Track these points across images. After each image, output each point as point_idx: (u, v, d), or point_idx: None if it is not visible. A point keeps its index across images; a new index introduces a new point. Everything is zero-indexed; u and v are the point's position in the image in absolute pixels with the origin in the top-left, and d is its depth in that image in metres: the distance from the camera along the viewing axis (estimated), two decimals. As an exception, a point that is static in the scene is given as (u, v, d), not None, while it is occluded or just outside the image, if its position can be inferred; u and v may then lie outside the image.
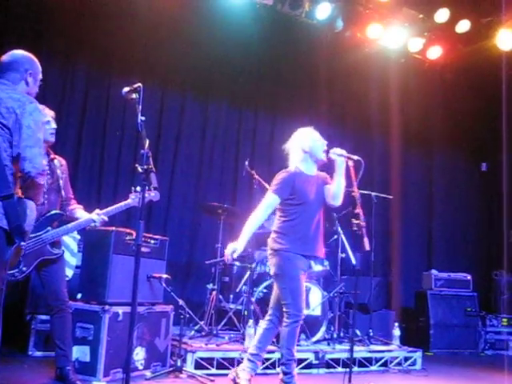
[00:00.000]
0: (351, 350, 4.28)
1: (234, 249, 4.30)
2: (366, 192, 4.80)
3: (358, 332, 6.37)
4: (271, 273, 4.39)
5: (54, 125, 4.16)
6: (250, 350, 4.37)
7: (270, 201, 4.37)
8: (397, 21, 7.75)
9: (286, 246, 4.22)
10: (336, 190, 4.28)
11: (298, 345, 5.38)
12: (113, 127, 7.11)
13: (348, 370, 4.29)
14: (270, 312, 4.41)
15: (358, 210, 4.09)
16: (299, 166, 4.44)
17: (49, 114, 4.16)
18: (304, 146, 4.45)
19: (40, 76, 3.28)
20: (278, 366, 4.67)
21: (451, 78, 8.67)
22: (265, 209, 4.38)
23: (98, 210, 4.24)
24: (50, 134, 4.11)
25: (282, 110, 8.43)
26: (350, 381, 4.23)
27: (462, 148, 9.62)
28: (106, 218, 4.23)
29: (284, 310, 4.18)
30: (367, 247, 3.98)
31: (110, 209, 4.29)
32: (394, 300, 8.32)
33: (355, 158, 4.23)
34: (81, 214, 4.27)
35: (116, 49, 7.14)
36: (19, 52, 3.24)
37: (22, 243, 2.96)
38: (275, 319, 4.34)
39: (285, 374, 4.20)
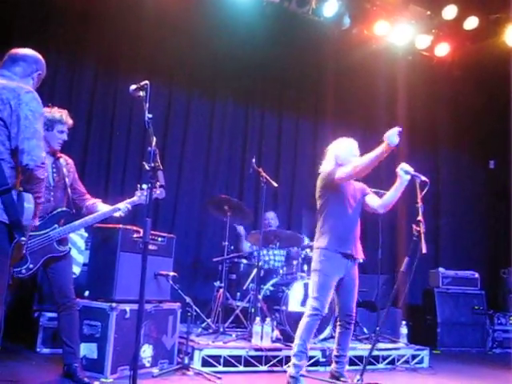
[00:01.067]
0: (372, 348, 4.35)
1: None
2: (373, 190, 4.84)
3: (365, 330, 6.37)
4: (311, 268, 4.61)
5: (65, 136, 4.16)
6: (334, 353, 4.66)
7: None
8: (404, 18, 7.70)
9: (331, 246, 4.44)
10: (389, 200, 4.57)
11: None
12: (120, 125, 7.12)
13: (362, 366, 4.32)
14: (338, 319, 4.67)
15: (420, 218, 4.26)
16: None
17: (69, 123, 4.18)
18: (339, 155, 4.64)
19: (42, 77, 3.29)
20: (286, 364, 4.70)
21: (459, 75, 8.60)
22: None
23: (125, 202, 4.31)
24: (58, 143, 4.14)
25: (288, 107, 8.43)
26: (362, 375, 4.22)
27: (469, 145, 9.56)
28: (129, 207, 4.29)
29: (309, 302, 4.45)
30: (424, 250, 4.14)
31: (129, 201, 4.34)
32: (401, 298, 8.28)
33: (423, 178, 4.35)
34: (102, 207, 4.32)
35: (122, 47, 7.15)
36: (34, 52, 3.25)
37: (23, 238, 2.89)
38: (343, 323, 4.60)
39: (294, 366, 4.36)
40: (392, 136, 4.34)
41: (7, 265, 2.89)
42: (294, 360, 4.39)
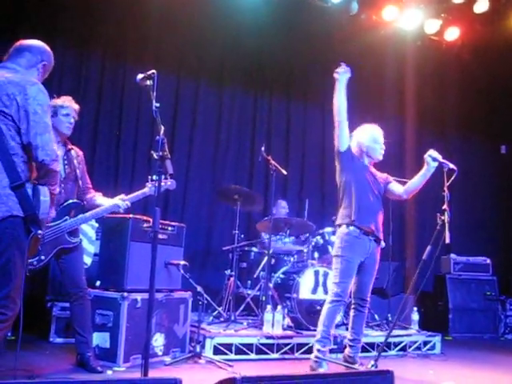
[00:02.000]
0: (388, 335, 4.41)
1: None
2: (396, 179, 4.87)
3: (376, 317, 6.37)
4: (332, 253, 4.64)
5: (72, 119, 4.15)
6: (348, 337, 4.69)
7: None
8: (413, 2, 7.61)
9: (353, 228, 4.47)
10: (414, 186, 4.60)
11: (315, 330, 5.44)
12: (128, 115, 7.13)
13: (377, 353, 4.36)
14: (352, 301, 4.68)
15: (446, 207, 4.37)
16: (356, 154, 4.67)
17: (73, 107, 4.17)
18: (362, 143, 4.66)
19: (48, 71, 3.24)
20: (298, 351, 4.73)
21: (469, 60, 8.50)
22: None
23: (123, 196, 4.32)
24: (66, 127, 4.12)
25: (296, 95, 8.40)
26: (376, 360, 4.23)
27: (480, 130, 9.47)
28: (129, 204, 4.31)
29: (330, 287, 4.50)
30: (447, 240, 4.28)
31: (130, 196, 4.35)
32: (412, 284, 8.26)
33: (451, 166, 4.38)
34: (101, 200, 4.31)
35: (130, 36, 7.15)
36: (40, 42, 3.21)
37: (40, 232, 2.91)
38: (357, 306, 4.63)
39: (318, 351, 4.41)
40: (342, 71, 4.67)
41: (25, 258, 2.92)
42: (317, 345, 4.43)
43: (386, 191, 4.76)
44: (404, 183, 4.74)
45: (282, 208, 7.16)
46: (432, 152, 4.49)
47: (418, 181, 4.58)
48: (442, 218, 4.35)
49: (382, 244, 4.71)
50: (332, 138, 4.74)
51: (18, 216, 2.83)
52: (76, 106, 4.21)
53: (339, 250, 4.50)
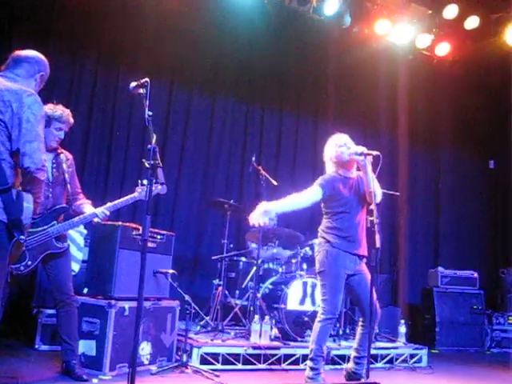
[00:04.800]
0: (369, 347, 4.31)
1: (266, 210, 4.28)
2: (384, 190, 4.79)
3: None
4: (316, 270, 4.48)
5: (63, 135, 4.14)
6: (353, 353, 4.46)
7: (313, 190, 4.41)
8: (405, 17, 7.70)
9: (336, 244, 4.33)
10: (370, 187, 4.31)
11: (303, 341, 5.44)
12: (120, 122, 7.11)
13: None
14: (361, 318, 4.49)
15: (373, 207, 4.10)
16: (338, 171, 4.52)
17: (70, 121, 4.16)
18: (331, 156, 4.53)
19: (45, 81, 3.33)
20: (303, 361, 4.66)
21: (459, 75, 8.60)
22: (307, 195, 4.41)
23: (104, 207, 4.26)
24: (55, 140, 4.11)
25: (289, 106, 8.43)
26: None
27: (469, 145, 9.56)
28: (107, 213, 4.23)
29: (320, 305, 4.32)
30: (378, 244, 3.97)
31: (114, 203, 4.31)
32: (400, 297, 8.30)
33: (374, 153, 4.22)
34: (88, 209, 4.26)
35: (123, 43, 7.15)
36: (38, 53, 3.29)
37: (22, 237, 2.93)
38: (365, 322, 4.40)
39: (312, 369, 4.26)
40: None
41: (6, 263, 2.92)
42: (310, 363, 4.28)
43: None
44: (397, 197, 4.68)
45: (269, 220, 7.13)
46: (353, 148, 4.33)
47: (364, 182, 4.37)
48: (371, 218, 4.07)
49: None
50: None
51: (2, 221, 2.86)
52: (71, 121, 4.20)
53: (323, 265, 4.36)
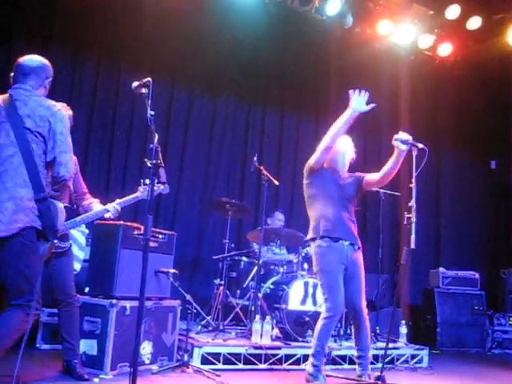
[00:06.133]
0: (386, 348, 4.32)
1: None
2: (374, 189, 4.79)
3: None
4: (314, 271, 4.50)
5: None
6: (354, 354, 4.49)
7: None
8: (407, 17, 7.70)
9: (323, 238, 4.34)
10: (387, 171, 4.34)
11: (304, 341, 5.44)
12: (122, 122, 7.12)
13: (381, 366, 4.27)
14: (350, 316, 4.58)
15: (412, 204, 4.00)
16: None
17: (69, 112, 4.15)
18: (344, 150, 4.66)
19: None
20: (304, 361, 4.67)
21: (461, 76, 8.60)
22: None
23: (113, 203, 4.31)
24: None
25: (290, 106, 8.43)
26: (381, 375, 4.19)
27: (471, 146, 9.56)
28: (118, 208, 4.29)
29: (323, 304, 4.35)
30: (412, 245, 3.92)
31: (121, 200, 4.33)
32: (402, 298, 8.30)
33: (420, 146, 4.11)
34: (98, 207, 4.30)
35: (125, 43, 7.16)
36: (40, 58, 3.46)
37: (56, 241, 3.31)
38: (355, 320, 4.43)
39: (313, 365, 4.28)
40: (358, 101, 4.29)
41: (41, 263, 3.26)
42: (312, 360, 4.30)
43: (365, 185, 4.58)
44: (397, 197, 4.69)
45: (277, 220, 7.14)
46: (400, 135, 4.22)
47: (390, 165, 4.33)
48: (409, 216, 3.99)
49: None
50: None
51: (35, 227, 3.17)
52: (70, 112, 4.19)
53: (317, 265, 4.38)
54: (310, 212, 4.56)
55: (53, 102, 3.35)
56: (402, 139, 4.19)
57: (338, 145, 4.61)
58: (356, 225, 4.56)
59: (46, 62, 3.48)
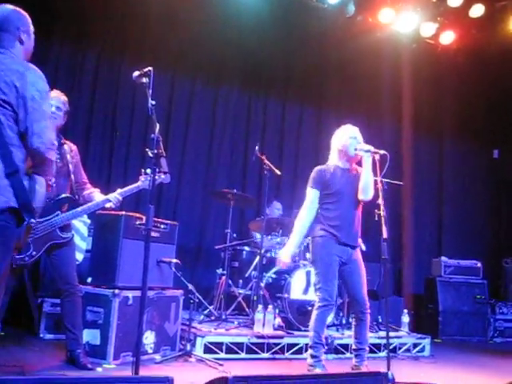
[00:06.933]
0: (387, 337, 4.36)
1: (288, 254, 4.59)
2: (375, 178, 4.78)
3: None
4: (310, 260, 4.62)
5: (54, 108, 4.01)
6: (352, 346, 4.54)
7: (310, 196, 4.58)
8: (409, 5, 7.65)
9: (324, 233, 4.41)
10: (362, 184, 4.40)
11: (306, 330, 5.44)
12: (123, 111, 7.11)
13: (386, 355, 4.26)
14: (352, 310, 4.66)
15: (380, 201, 4.21)
16: (335, 162, 4.58)
17: (58, 98, 4.13)
18: (338, 143, 4.56)
19: (32, 28, 3.01)
20: (306, 350, 4.70)
21: (464, 64, 8.54)
22: (308, 205, 4.58)
23: (117, 192, 4.28)
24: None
25: (292, 95, 8.41)
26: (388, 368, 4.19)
27: (473, 135, 9.52)
28: (120, 198, 4.26)
29: (316, 293, 4.41)
30: (385, 235, 4.10)
31: (122, 190, 4.32)
32: (404, 287, 8.32)
33: (381, 152, 4.30)
34: (98, 196, 4.28)
35: (127, 32, 7.14)
36: (5, 8, 2.92)
37: (32, 220, 2.81)
38: (356, 313, 4.46)
39: (312, 356, 4.34)
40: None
41: (9, 250, 2.82)
42: (310, 351, 4.37)
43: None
44: (400, 187, 4.71)
45: (276, 209, 7.16)
46: (361, 145, 4.41)
47: (361, 177, 4.42)
48: (378, 212, 4.20)
49: (362, 247, 4.65)
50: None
51: (10, 207, 2.72)
52: (63, 98, 4.16)
53: (313, 255, 4.49)
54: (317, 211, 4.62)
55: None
56: (363, 149, 4.39)
57: (336, 140, 4.61)
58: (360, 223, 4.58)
59: (13, 9, 2.93)
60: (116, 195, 4.25)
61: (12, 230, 2.75)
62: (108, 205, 4.24)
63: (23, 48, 2.92)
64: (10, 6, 2.92)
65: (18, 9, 2.95)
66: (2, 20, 2.87)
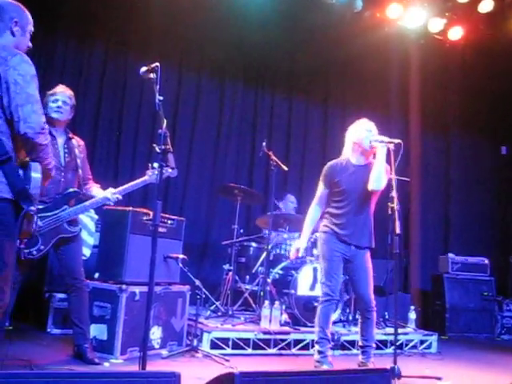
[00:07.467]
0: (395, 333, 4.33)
1: (297, 247, 4.63)
2: (396, 177, 4.73)
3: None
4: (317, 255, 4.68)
5: (60, 103, 4.08)
6: (359, 343, 4.54)
7: (319, 191, 4.61)
8: (417, 1, 7.60)
9: (327, 229, 4.45)
10: (373, 174, 4.33)
11: (312, 326, 5.44)
12: (130, 106, 7.13)
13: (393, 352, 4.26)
14: (358, 308, 4.74)
15: (394, 194, 4.12)
16: (349, 156, 4.55)
17: (64, 92, 4.14)
18: (353, 136, 4.54)
19: (30, 27, 2.91)
20: (312, 346, 4.72)
21: (472, 60, 8.49)
22: (317, 200, 4.62)
23: (111, 189, 4.24)
24: (54, 111, 4.06)
25: (298, 91, 8.40)
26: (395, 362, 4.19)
27: (481, 131, 9.47)
28: (119, 197, 4.24)
29: (320, 288, 4.48)
30: (398, 230, 4.01)
31: (125, 186, 4.30)
32: (411, 283, 8.30)
33: (396, 141, 4.26)
34: (96, 191, 4.27)
35: (134, 28, 7.14)
36: (5, 0, 2.84)
37: (32, 208, 2.69)
38: (362, 311, 4.47)
39: (318, 352, 4.37)
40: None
41: (14, 243, 2.77)
42: (317, 347, 4.40)
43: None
44: (407, 183, 4.66)
45: (290, 202, 7.12)
46: (376, 136, 4.38)
47: (373, 167, 4.36)
48: (391, 205, 4.08)
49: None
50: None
51: (5, 199, 2.63)
52: (68, 92, 4.17)
53: (319, 250, 4.53)
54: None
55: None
56: (378, 140, 4.35)
57: (350, 133, 4.59)
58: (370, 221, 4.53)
59: (12, 2, 2.85)
60: (117, 195, 4.22)
61: (9, 220, 2.67)
62: (107, 203, 4.24)
63: (13, 40, 2.80)
64: (11, 0, 2.87)
65: (18, 4, 2.88)
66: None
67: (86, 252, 5.36)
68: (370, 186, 4.34)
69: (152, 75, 3.34)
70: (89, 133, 6.70)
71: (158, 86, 3.31)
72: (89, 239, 5.57)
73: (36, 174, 2.71)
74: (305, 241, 4.64)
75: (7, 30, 2.78)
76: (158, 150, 3.19)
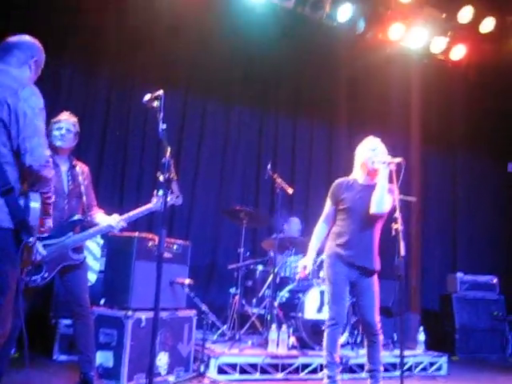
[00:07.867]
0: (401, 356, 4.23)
1: (304, 265, 4.55)
2: (401, 196, 4.69)
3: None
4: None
5: (64, 131, 4.09)
6: (366, 368, 4.47)
7: (326, 208, 4.61)
8: (419, 20, 7.64)
9: (331, 252, 4.42)
10: (374, 197, 4.27)
11: (320, 349, 5.39)
12: (135, 134, 7.16)
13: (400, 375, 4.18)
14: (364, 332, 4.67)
15: (397, 215, 4.04)
16: (356, 176, 4.55)
17: (68, 120, 4.17)
18: (360, 157, 4.53)
19: (42, 66, 3.11)
20: (321, 370, 4.67)
21: (475, 79, 8.50)
22: (324, 217, 4.60)
23: (116, 216, 4.22)
24: (58, 139, 4.07)
25: (303, 113, 8.42)
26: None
27: (487, 149, 9.45)
28: (124, 224, 4.21)
29: (327, 312, 4.43)
30: (402, 252, 3.91)
31: (130, 214, 4.27)
32: (419, 304, 8.22)
33: (397, 160, 4.18)
34: (101, 218, 4.25)
35: (138, 55, 7.18)
36: (28, 37, 3.05)
37: (31, 240, 2.73)
38: (368, 335, 4.43)
39: (327, 377, 4.31)
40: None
41: (16, 272, 2.77)
42: (325, 371, 4.34)
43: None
44: (410, 202, 4.62)
45: (294, 225, 7.11)
46: (378, 157, 4.31)
47: (375, 190, 4.28)
48: (395, 226, 3.99)
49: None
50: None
51: (7, 228, 2.67)
52: (72, 119, 4.19)
53: (325, 273, 4.48)
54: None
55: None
56: (380, 161, 4.29)
57: (358, 153, 4.58)
58: (375, 243, 4.46)
59: (35, 42, 3.05)
60: (122, 223, 4.19)
61: (11, 249, 2.71)
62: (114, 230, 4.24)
63: (29, 76, 2.97)
64: (31, 38, 3.07)
65: (40, 46, 3.08)
66: (23, 42, 3.00)
67: (92, 277, 5.35)
68: (372, 210, 4.28)
69: (155, 103, 3.36)
70: (94, 160, 6.72)
71: (161, 114, 3.32)
72: (94, 264, 5.57)
73: (35, 204, 2.76)
74: (311, 258, 4.57)
75: (26, 65, 2.96)
76: (162, 179, 3.19)
